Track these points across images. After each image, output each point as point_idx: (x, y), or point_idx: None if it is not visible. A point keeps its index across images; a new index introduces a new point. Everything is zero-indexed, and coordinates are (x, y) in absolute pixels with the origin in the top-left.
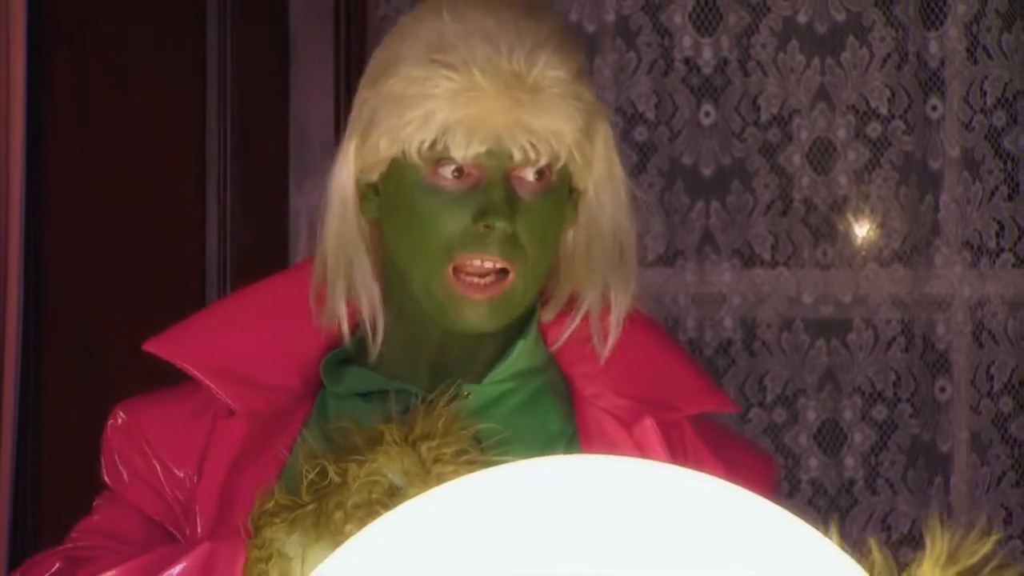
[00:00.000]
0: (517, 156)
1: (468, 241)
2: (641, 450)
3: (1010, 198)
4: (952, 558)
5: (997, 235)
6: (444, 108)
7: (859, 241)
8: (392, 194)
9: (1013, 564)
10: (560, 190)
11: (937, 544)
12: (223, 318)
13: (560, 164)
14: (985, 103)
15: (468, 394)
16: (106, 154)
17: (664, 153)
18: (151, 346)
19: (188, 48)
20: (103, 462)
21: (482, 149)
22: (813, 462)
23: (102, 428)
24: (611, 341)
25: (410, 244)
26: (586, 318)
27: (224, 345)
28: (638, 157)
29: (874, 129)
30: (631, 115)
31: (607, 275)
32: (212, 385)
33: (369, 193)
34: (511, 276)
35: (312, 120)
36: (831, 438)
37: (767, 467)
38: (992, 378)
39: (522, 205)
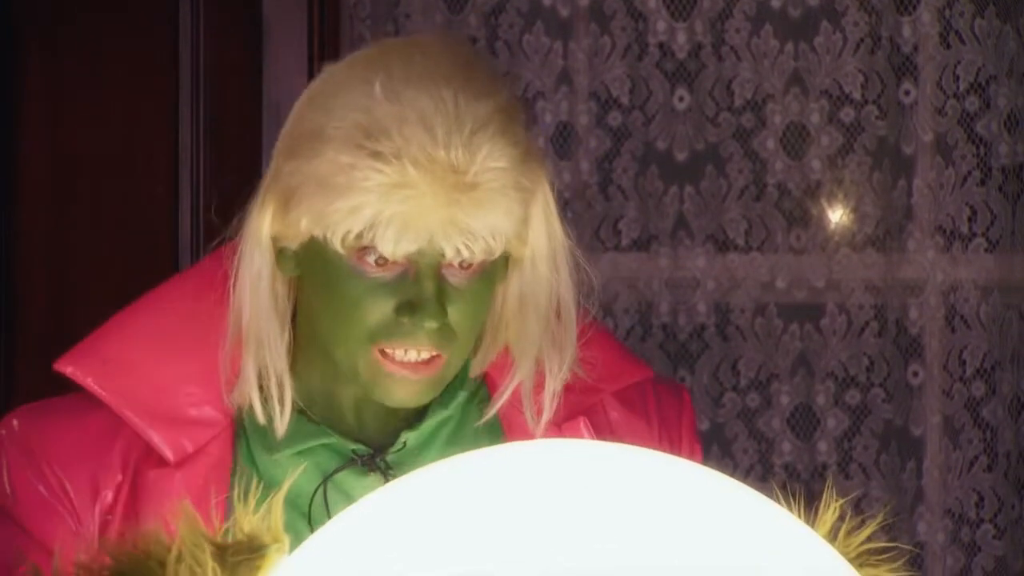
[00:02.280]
0: (449, 254)
1: (393, 332)
2: None
3: (983, 183)
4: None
5: (970, 220)
6: (374, 203)
7: (832, 226)
8: (313, 266)
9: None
10: (492, 268)
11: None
12: (133, 343)
13: (495, 256)
14: (958, 88)
15: (405, 442)
16: (79, 140)
17: (638, 138)
18: (64, 366)
19: (161, 33)
20: None
21: (412, 248)
22: (786, 446)
23: None
24: (544, 417)
25: (332, 323)
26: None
27: (143, 376)
28: (612, 142)
29: (847, 114)
30: (605, 100)
31: (541, 341)
32: (138, 425)
33: (287, 253)
34: (442, 359)
35: (286, 104)
36: (804, 422)
37: (683, 403)
38: (964, 363)
39: (453, 293)
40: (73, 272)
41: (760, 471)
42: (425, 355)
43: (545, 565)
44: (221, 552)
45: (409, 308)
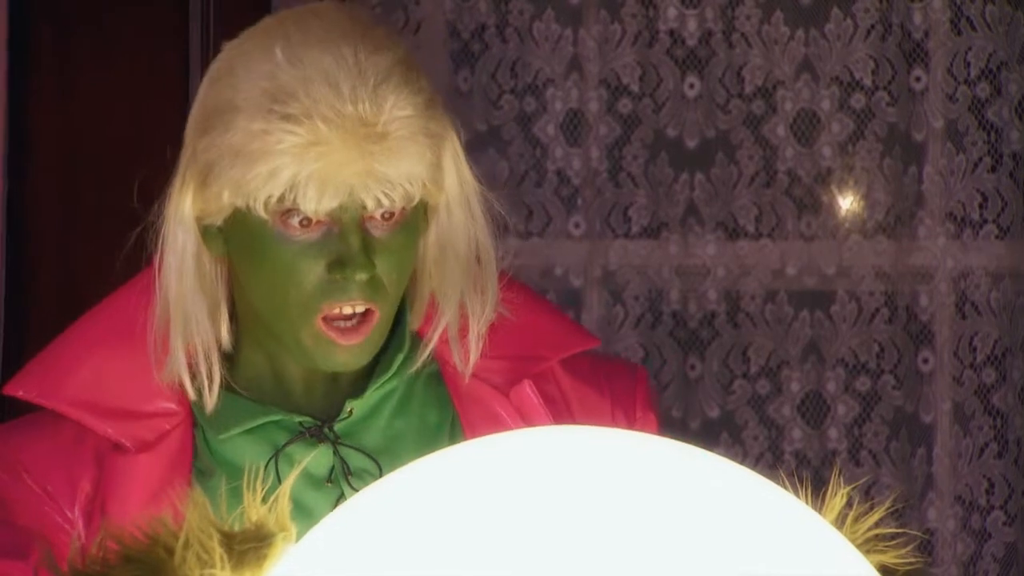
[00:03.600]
0: (370, 205)
1: (328, 291)
2: (522, 415)
3: (993, 169)
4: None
5: (980, 207)
6: (290, 164)
7: (843, 213)
8: (240, 240)
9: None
10: (413, 218)
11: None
12: (81, 348)
13: (415, 202)
14: (969, 74)
15: (351, 410)
16: (88, 131)
17: (648, 125)
18: (13, 389)
19: (170, 19)
20: None
21: (334, 204)
22: (796, 433)
23: None
24: (472, 359)
25: (269, 294)
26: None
27: (92, 378)
28: (622, 129)
29: (858, 100)
30: (615, 87)
31: (463, 285)
32: (95, 424)
33: (212, 230)
34: (376, 314)
35: None
36: (814, 409)
37: (637, 378)
38: (975, 349)
39: (378, 246)
40: (81, 250)
41: (770, 458)
42: (360, 308)
43: (553, 563)
44: (228, 540)
45: (339, 265)
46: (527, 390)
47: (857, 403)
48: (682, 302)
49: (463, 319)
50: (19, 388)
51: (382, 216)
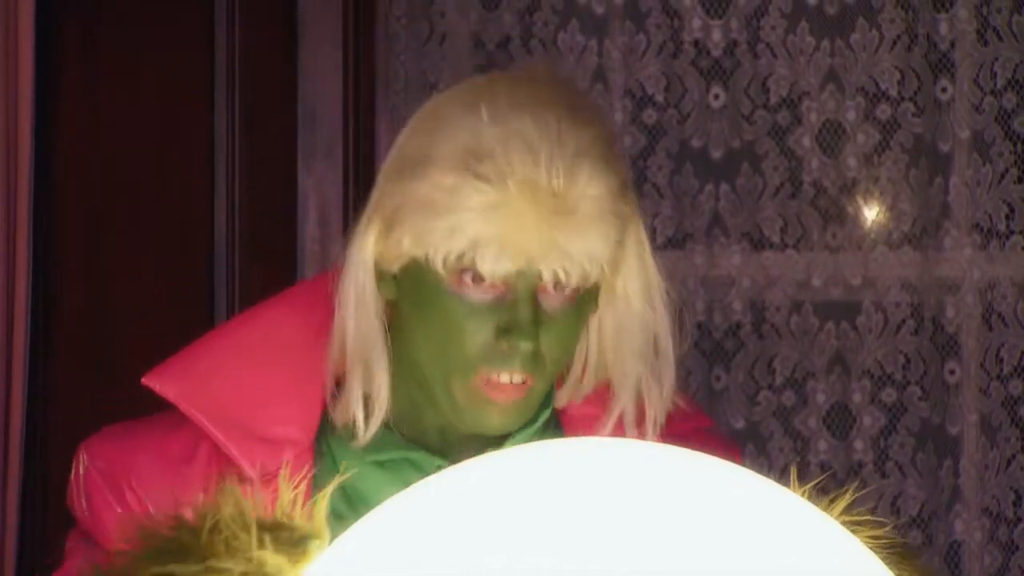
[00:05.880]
0: (547, 276)
1: (491, 358)
2: None
3: (1020, 180)
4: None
5: (1007, 217)
6: (475, 221)
7: (868, 224)
8: (412, 289)
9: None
10: (586, 297)
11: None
12: (220, 357)
13: (591, 282)
14: (995, 85)
15: None
16: (114, 136)
17: (673, 136)
18: (152, 381)
19: (197, 29)
20: (72, 495)
21: (512, 269)
22: (822, 445)
23: (114, 416)
24: None
25: (431, 346)
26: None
27: (227, 390)
28: (647, 140)
29: (884, 111)
30: (640, 98)
31: (640, 372)
32: (233, 450)
33: (387, 276)
34: (531, 383)
35: (321, 102)
36: (840, 421)
37: (729, 451)
38: (1002, 361)
39: (546, 319)
40: (108, 260)
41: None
42: (518, 379)
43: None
44: (262, 532)
45: (506, 332)
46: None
47: (883, 415)
48: (707, 313)
49: (639, 408)
50: (156, 381)
51: (555, 288)
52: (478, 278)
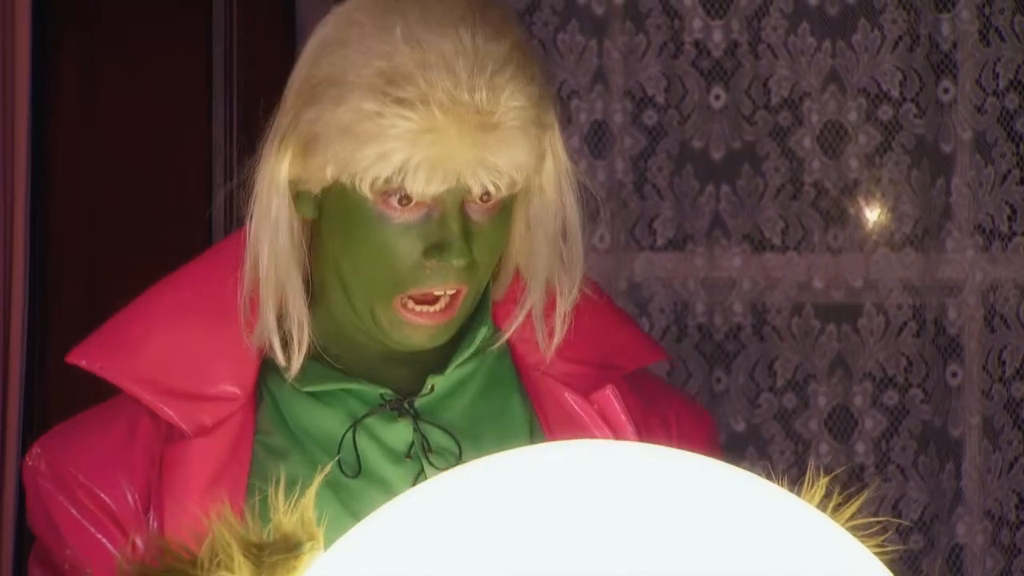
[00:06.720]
0: (476, 191)
1: (421, 277)
2: (605, 420)
3: (1022, 181)
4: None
5: (1009, 219)
6: (402, 148)
7: (870, 225)
8: (335, 212)
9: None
10: (510, 201)
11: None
12: (148, 323)
13: (517, 189)
14: (997, 86)
15: (432, 387)
16: (112, 136)
17: (674, 137)
18: (76, 358)
19: (194, 30)
20: (30, 512)
21: (441, 189)
22: (824, 448)
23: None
24: (556, 339)
25: (357, 269)
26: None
27: (158, 356)
28: (648, 141)
29: (885, 112)
30: (640, 98)
31: (551, 263)
32: (155, 405)
33: (306, 196)
34: (462, 293)
35: None
36: (842, 424)
37: (702, 422)
38: (1004, 363)
39: (475, 229)
40: (105, 261)
41: (796, 473)
42: (451, 291)
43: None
44: (257, 552)
45: (438, 250)
46: (612, 397)
47: (885, 417)
48: (708, 315)
49: (549, 298)
50: (82, 357)
51: (481, 199)
52: (405, 199)
